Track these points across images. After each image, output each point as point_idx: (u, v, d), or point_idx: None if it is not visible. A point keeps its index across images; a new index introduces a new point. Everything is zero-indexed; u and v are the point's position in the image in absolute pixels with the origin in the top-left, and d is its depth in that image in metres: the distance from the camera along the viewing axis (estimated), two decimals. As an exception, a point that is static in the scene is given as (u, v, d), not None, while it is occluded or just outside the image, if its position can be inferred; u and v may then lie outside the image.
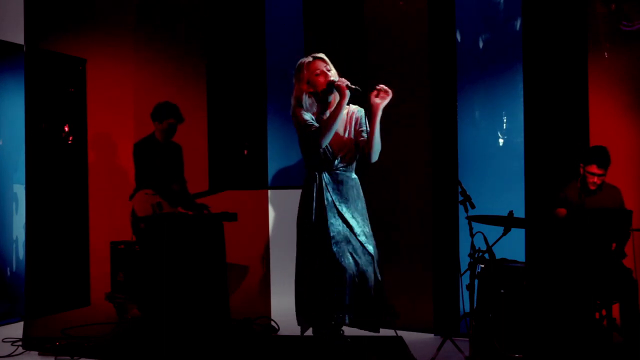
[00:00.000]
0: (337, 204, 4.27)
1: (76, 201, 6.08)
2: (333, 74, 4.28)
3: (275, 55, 5.86)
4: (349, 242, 4.24)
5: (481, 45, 5.53)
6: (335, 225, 4.25)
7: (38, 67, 5.77)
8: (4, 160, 6.28)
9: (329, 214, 4.25)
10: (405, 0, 5.58)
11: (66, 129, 6.06)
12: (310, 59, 4.31)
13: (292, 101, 4.33)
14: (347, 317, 4.23)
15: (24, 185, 5.71)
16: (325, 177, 4.29)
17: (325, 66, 4.28)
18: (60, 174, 5.96)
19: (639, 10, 5.28)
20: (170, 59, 6.24)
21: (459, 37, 5.49)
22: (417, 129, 5.44)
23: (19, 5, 5.74)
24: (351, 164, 4.35)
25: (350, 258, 4.23)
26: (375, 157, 4.28)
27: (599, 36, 5.34)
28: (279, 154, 5.96)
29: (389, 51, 5.54)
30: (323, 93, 4.26)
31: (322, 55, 4.32)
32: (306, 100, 4.27)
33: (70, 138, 6.08)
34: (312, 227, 4.25)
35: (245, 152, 5.81)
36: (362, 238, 4.26)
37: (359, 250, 4.25)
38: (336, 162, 4.29)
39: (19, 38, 5.87)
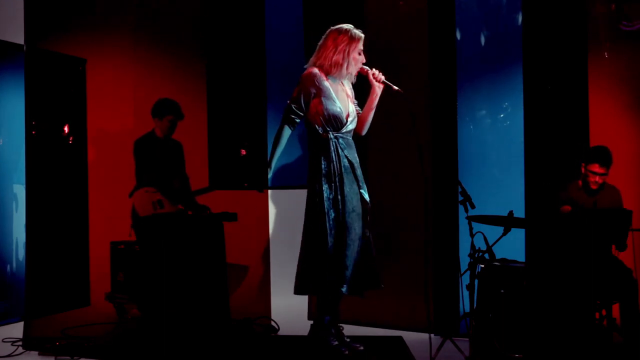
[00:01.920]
0: (352, 168, 4.35)
1: (76, 201, 6.08)
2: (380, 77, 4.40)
3: (275, 55, 5.86)
4: (358, 211, 4.32)
5: (482, 44, 5.52)
6: (351, 193, 4.32)
7: (38, 67, 5.77)
8: (4, 160, 6.27)
9: (346, 180, 4.32)
10: (405, 0, 5.58)
11: (66, 129, 6.06)
12: (361, 35, 4.36)
13: (324, 52, 4.35)
14: (345, 288, 4.27)
15: (24, 185, 5.71)
16: (340, 140, 4.36)
17: (362, 49, 4.38)
18: (60, 174, 5.95)
19: (639, 10, 5.29)
20: (170, 58, 6.24)
21: (458, 36, 5.48)
22: (417, 129, 5.42)
23: (19, 5, 5.74)
24: (352, 131, 4.46)
25: (358, 229, 4.30)
26: (365, 132, 4.51)
27: (599, 36, 5.34)
28: (279, 154, 5.95)
29: (389, 51, 5.54)
30: (353, 72, 4.37)
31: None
32: (352, 67, 4.34)
33: (70, 138, 6.08)
34: (334, 189, 4.30)
35: (245, 152, 5.81)
36: (367, 197, 4.37)
37: (363, 218, 4.33)
38: (346, 126, 4.38)
39: (19, 38, 5.87)
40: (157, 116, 5.65)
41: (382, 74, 4.37)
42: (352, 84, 4.50)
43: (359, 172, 4.40)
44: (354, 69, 4.36)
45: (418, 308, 5.41)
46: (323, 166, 4.32)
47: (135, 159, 5.62)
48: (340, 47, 4.31)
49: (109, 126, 6.29)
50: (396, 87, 4.34)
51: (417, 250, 5.47)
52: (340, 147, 4.34)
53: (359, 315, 5.31)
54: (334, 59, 4.31)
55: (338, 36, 4.33)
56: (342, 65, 4.32)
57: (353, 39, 4.32)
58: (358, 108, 4.49)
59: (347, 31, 4.34)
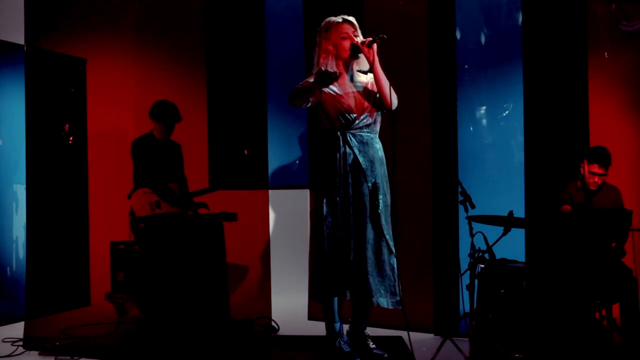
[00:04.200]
0: (363, 166, 4.17)
1: (76, 201, 6.08)
2: (360, 40, 4.20)
3: (275, 55, 5.86)
4: (365, 214, 4.15)
5: (482, 43, 5.52)
6: (357, 195, 4.15)
7: (38, 67, 5.78)
8: (4, 160, 6.27)
9: (352, 181, 4.16)
10: (405, 0, 5.58)
11: (66, 128, 6.06)
12: (340, 20, 4.22)
13: (314, 59, 4.26)
14: (347, 293, 4.17)
15: (24, 185, 5.71)
16: (351, 137, 4.20)
17: (353, 31, 4.21)
18: (60, 174, 5.96)
19: (639, 10, 5.29)
20: (170, 58, 6.25)
21: (458, 35, 5.48)
22: (417, 129, 5.43)
23: (19, 5, 5.74)
24: (374, 125, 4.27)
25: (366, 233, 4.14)
26: (393, 101, 4.21)
27: (599, 36, 5.34)
28: (279, 154, 5.96)
29: (388, 51, 5.54)
30: (347, 58, 4.21)
31: (352, 18, 4.24)
32: (329, 62, 4.20)
33: (71, 138, 6.08)
34: (336, 190, 4.16)
35: (246, 152, 5.81)
36: (381, 206, 4.19)
37: (372, 221, 4.17)
38: (357, 121, 4.20)
39: (19, 38, 5.87)
40: (155, 118, 5.66)
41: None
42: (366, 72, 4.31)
43: (378, 170, 4.21)
44: (343, 53, 4.19)
45: (418, 308, 5.42)
46: (326, 166, 4.21)
47: (133, 159, 5.63)
48: (321, 46, 4.23)
49: (109, 126, 6.29)
50: (377, 37, 4.11)
51: (417, 250, 5.48)
52: (350, 145, 4.18)
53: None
54: (319, 59, 4.22)
55: (319, 35, 4.25)
56: (325, 60, 4.20)
57: (328, 30, 4.21)
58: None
59: (322, 26, 4.24)
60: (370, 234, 4.18)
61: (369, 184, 4.19)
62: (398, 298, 4.19)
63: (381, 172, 4.25)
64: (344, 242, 4.16)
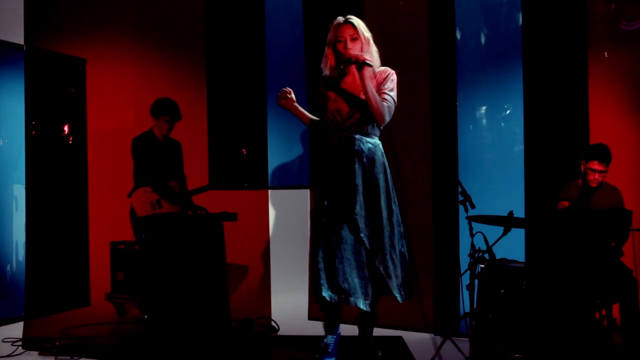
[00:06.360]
0: (344, 167, 4.13)
1: (76, 201, 6.08)
2: (357, 47, 4.10)
3: (275, 55, 5.86)
4: (346, 216, 4.10)
5: (482, 43, 5.52)
6: (337, 196, 4.12)
7: (38, 67, 5.78)
8: (4, 160, 6.27)
9: (334, 182, 4.14)
10: (405, 0, 5.58)
11: (66, 129, 6.06)
12: (342, 20, 4.16)
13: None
14: (335, 296, 4.10)
15: (24, 185, 5.71)
16: (337, 137, 4.17)
17: (352, 34, 4.12)
18: (60, 174, 5.96)
19: (639, 10, 5.29)
20: (170, 58, 6.25)
21: (458, 35, 5.48)
22: (417, 129, 5.44)
23: (19, 5, 5.74)
24: (363, 126, 4.17)
25: (343, 235, 4.08)
26: (379, 118, 4.11)
27: (599, 36, 5.34)
28: (279, 154, 5.96)
29: (389, 51, 5.54)
30: (340, 62, 4.17)
31: (354, 20, 4.15)
32: (327, 64, 4.21)
33: (70, 138, 6.08)
34: (323, 190, 4.17)
35: (245, 151, 5.81)
36: (358, 208, 4.10)
37: (352, 224, 4.11)
38: (343, 122, 4.16)
39: (19, 38, 5.87)
40: (155, 116, 5.68)
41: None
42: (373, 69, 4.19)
43: (358, 171, 4.12)
44: (340, 55, 4.14)
45: (418, 308, 5.42)
46: (317, 165, 4.26)
47: (133, 157, 5.64)
48: (327, 44, 4.22)
49: (109, 126, 6.29)
50: (365, 63, 4.04)
51: (417, 250, 5.48)
52: (335, 146, 4.17)
53: (358, 315, 5.32)
54: (323, 60, 4.25)
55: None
56: (327, 61, 4.22)
57: (330, 31, 4.19)
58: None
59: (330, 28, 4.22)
60: (348, 234, 4.12)
61: (348, 186, 4.14)
62: (369, 301, 4.12)
63: (363, 174, 4.15)
64: (331, 243, 4.11)
